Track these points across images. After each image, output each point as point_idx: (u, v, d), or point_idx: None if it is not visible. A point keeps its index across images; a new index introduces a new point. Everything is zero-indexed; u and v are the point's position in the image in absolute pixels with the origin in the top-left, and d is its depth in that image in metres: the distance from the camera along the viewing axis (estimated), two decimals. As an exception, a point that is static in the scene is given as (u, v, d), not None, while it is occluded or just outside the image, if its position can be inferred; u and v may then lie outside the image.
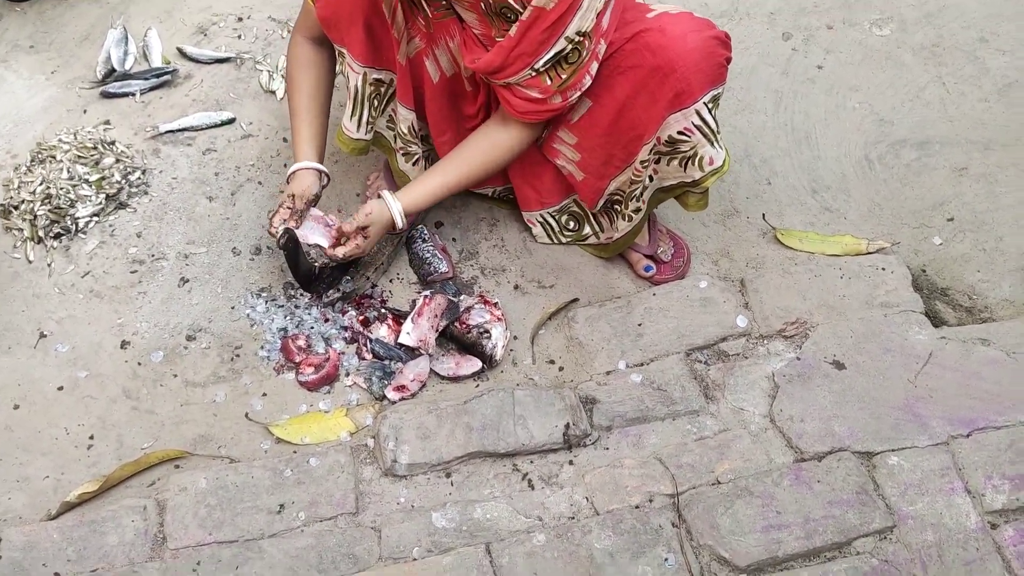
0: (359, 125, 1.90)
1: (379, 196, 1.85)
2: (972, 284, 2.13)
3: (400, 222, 1.84)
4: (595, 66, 1.70)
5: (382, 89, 1.87)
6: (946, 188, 2.30)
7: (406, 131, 1.89)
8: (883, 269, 2.07)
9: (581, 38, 1.64)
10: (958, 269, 2.16)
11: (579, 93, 1.73)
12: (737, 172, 2.30)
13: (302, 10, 1.87)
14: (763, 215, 2.21)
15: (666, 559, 1.62)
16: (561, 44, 1.63)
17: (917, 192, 2.29)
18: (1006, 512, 1.69)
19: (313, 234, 1.87)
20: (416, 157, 1.97)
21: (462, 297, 1.99)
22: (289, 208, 1.86)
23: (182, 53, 2.43)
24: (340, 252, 1.84)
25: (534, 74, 1.68)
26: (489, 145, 1.84)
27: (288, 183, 1.90)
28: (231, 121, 2.28)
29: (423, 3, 1.72)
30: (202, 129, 2.26)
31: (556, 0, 1.57)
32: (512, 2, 1.61)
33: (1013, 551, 1.64)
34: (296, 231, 1.84)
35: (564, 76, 1.68)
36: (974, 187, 2.30)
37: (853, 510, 1.68)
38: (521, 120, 1.77)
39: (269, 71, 2.39)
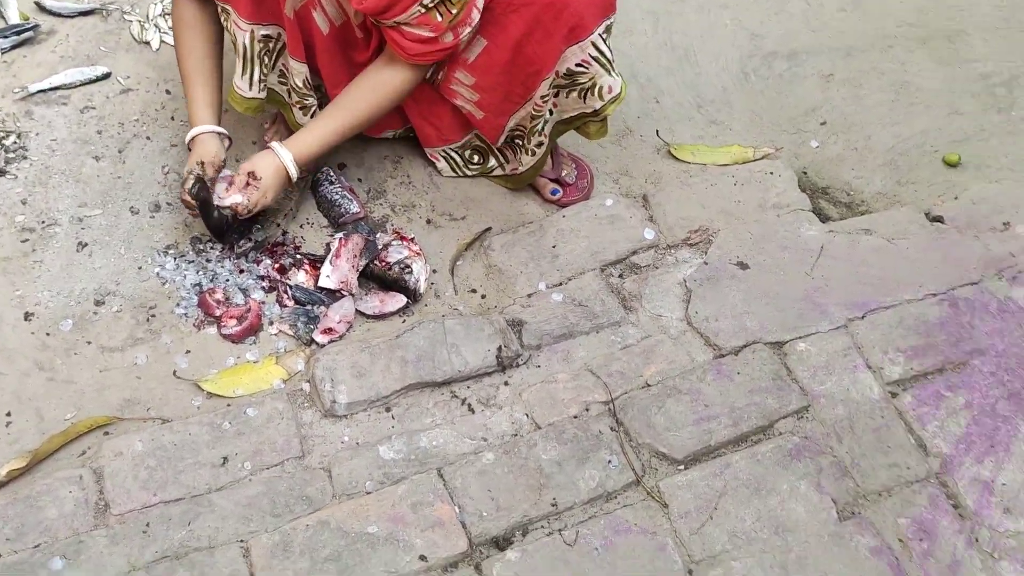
0: (251, 83, 1.85)
1: (268, 147, 1.81)
2: (848, 181, 2.29)
3: (293, 170, 1.82)
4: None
5: (271, 45, 1.82)
6: (816, 94, 2.44)
7: (300, 84, 1.86)
8: (771, 173, 2.20)
9: None
10: (835, 168, 2.31)
11: (469, 29, 1.73)
12: (627, 93, 2.36)
13: None
14: (656, 132, 2.29)
15: (610, 461, 1.70)
16: None
17: (791, 100, 2.43)
18: (903, 381, 1.86)
19: (227, 196, 1.82)
20: (312, 109, 1.93)
21: (378, 235, 1.99)
22: (200, 175, 1.80)
23: (40, 7, 2.27)
24: (243, 201, 1.80)
25: (423, 11, 1.66)
26: (375, 87, 1.82)
27: (190, 150, 1.84)
28: (106, 76, 2.16)
29: None
30: (76, 86, 2.13)
31: None
32: None
33: (912, 415, 1.81)
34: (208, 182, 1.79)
35: (454, 11, 1.68)
36: (841, 91, 2.45)
37: (772, 395, 1.80)
38: (410, 62, 1.76)
39: (140, 21, 2.27)
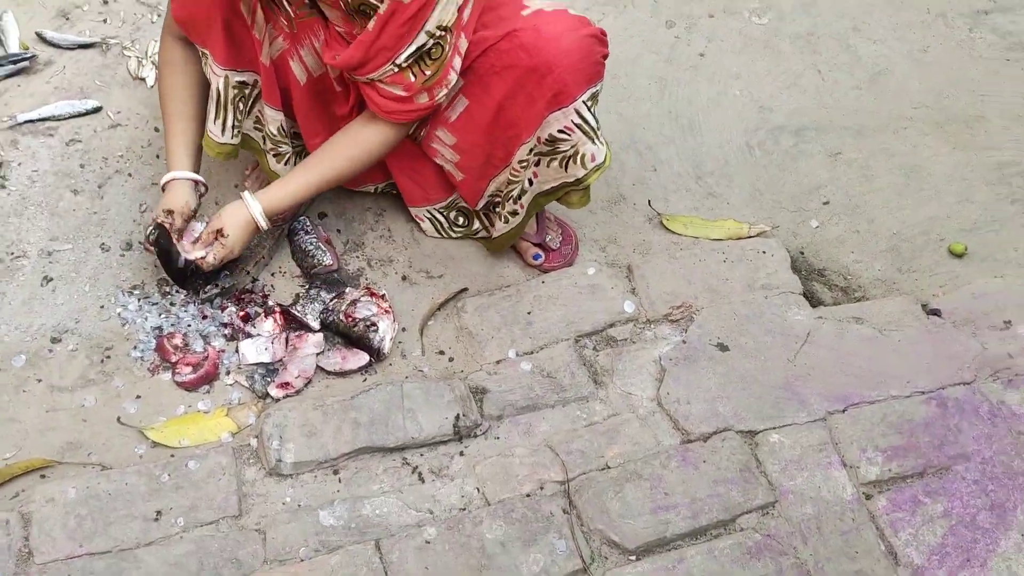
0: (223, 129, 1.84)
1: (240, 196, 1.79)
2: (847, 265, 2.20)
3: (263, 223, 1.78)
4: (458, 61, 1.67)
5: (247, 91, 1.81)
6: (822, 172, 2.37)
7: (275, 131, 1.83)
8: (764, 252, 2.12)
9: (443, 32, 1.60)
10: (833, 251, 2.23)
11: (446, 91, 1.69)
12: (623, 159, 2.32)
13: (167, 8, 1.79)
14: (648, 201, 2.23)
15: (557, 546, 1.62)
16: (422, 39, 1.60)
17: (795, 177, 2.36)
18: (879, 483, 1.76)
19: (192, 251, 1.80)
20: (287, 156, 1.91)
21: (347, 289, 1.94)
22: (160, 223, 1.78)
23: (41, 38, 2.29)
24: (209, 258, 1.77)
25: (396, 70, 1.63)
26: (354, 143, 1.79)
27: (163, 193, 1.82)
28: (97, 110, 2.16)
29: (284, 2, 1.66)
30: (65, 119, 2.14)
31: None
32: None
33: (886, 519, 1.71)
34: (169, 231, 1.77)
35: (428, 72, 1.65)
36: (848, 171, 2.38)
37: (737, 488, 1.71)
38: (387, 120, 1.73)
39: (138, 57, 2.28)
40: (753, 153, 2.40)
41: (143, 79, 2.25)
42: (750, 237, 2.18)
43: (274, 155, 1.88)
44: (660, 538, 1.64)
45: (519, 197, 1.86)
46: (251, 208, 1.77)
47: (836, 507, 1.71)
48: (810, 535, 1.68)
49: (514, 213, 1.90)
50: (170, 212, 1.79)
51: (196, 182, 1.84)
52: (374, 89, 1.68)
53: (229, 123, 1.82)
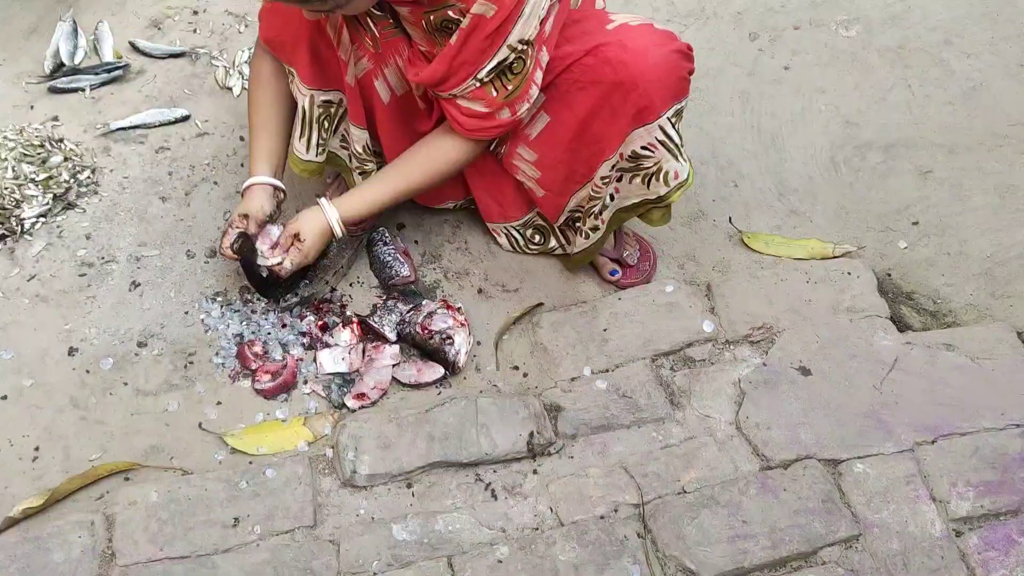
0: (308, 146, 1.85)
1: (316, 203, 1.80)
2: (936, 288, 2.12)
3: (338, 230, 1.79)
4: (540, 75, 1.65)
5: (332, 110, 1.82)
6: (911, 191, 2.29)
7: (360, 150, 1.84)
8: (849, 274, 2.06)
9: (524, 46, 1.59)
10: (923, 273, 2.15)
11: (527, 105, 1.68)
12: (704, 174, 2.28)
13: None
14: (729, 218, 2.19)
15: (632, 571, 1.59)
16: (504, 52, 1.58)
17: (882, 195, 2.28)
18: (970, 519, 1.68)
19: (270, 256, 1.82)
20: (372, 174, 1.91)
21: (424, 301, 1.94)
22: (239, 229, 1.81)
23: (134, 47, 2.35)
24: (285, 263, 1.79)
25: (478, 84, 1.62)
26: (432, 156, 1.78)
27: (242, 198, 1.85)
28: (186, 118, 2.21)
29: (370, 22, 1.67)
30: (155, 127, 2.19)
31: (496, 7, 1.52)
32: (452, 13, 1.56)
33: (978, 559, 1.64)
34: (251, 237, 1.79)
35: (510, 87, 1.63)
36: (939, 191, 2.29)
37: (819, 519, 1.66)
38: (468, 136, 1.73)
39: (226, 66, 2.33)
40: (839, 170, 2.33)
41: (230, 88, 2.30)
42: (835, 257, 2.11)
43: (360, 173, 1.89)
44: (738, 568, 1.60)
45: (600, 212, 1.84)
46: (328, 214, 1.78)
47: (924, 543, 1.64)
48: (896, 571, 1.61)
49: (595, 229, 1.88)
50: (245, 216, 1.81)
51: (275, 188, 1.86)
52: (455, 107, 1.67)
53: (314, 141, 1.83)
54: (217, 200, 2.09)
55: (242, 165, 2.16)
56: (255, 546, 1.60)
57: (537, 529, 1.65)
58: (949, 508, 1.69)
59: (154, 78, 2.31)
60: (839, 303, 2.00)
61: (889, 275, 2.14)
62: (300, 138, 1.83)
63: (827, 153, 2.36)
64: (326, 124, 1.83)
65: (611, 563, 1.60)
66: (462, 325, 1.89)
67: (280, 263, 1.79)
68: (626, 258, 2.05)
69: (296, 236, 1.79)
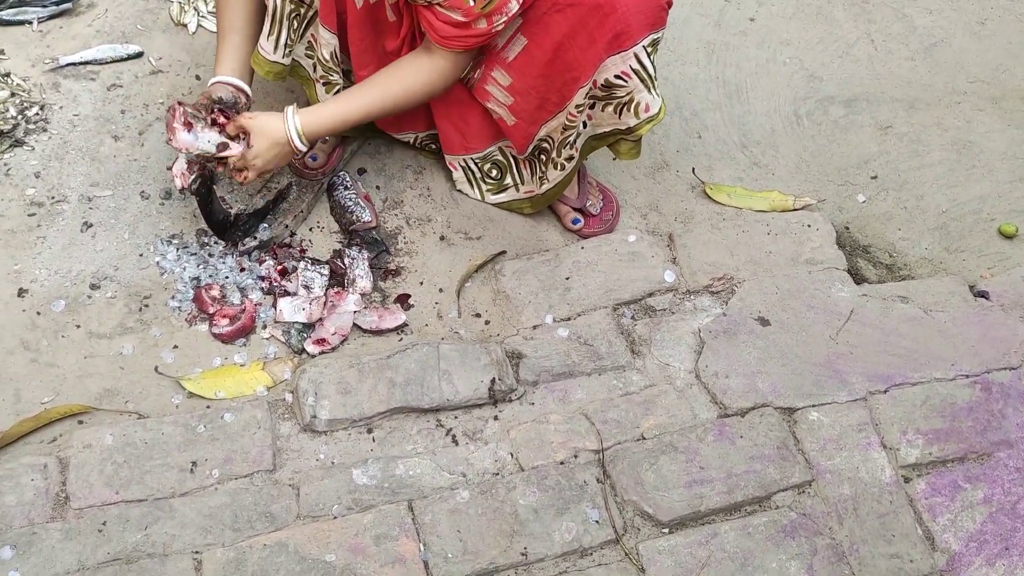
0: (276, 46, 1.77)
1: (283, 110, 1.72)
2: (893, 242, 2.15)
3: (298, 143, 1.72)
4: None
5: (302, 10, 1.76)
6: (871, 146, 2.31)
7: (327, 57, 1.78)
8: (808, 226, 2.08)
9: None
10: (880, 227, 2.18)
11: (504, 18, 1.64)
12: (668, 125, 2.27)
13: None
14: (692, 169, 2.19)
15: (590, 515, 1.61)
16: None
17: (843, 149, 2.30)
18: (919, 466, 1.73)
19: (202, 137, 1.71)
20: (336, 87, 1.86)
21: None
22: (204, 174, 1.74)
23: (84, -21, 2.26)
24: (206, 146, 1.68)
25: None
26: (410, 74, 1.74)
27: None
28: (139, 55, 2.14)
29: None
30: (106, 63, 2.11)
31: None
32: None
33: (925, 504, 1.69)
34: (190, 140, 1.69)
35: None
36: (898, 145, 2.32)
37: (774, 465, 1.69)
38: (445, 48, 1.68)
39: (180, 2, 2.25)
40: (801, 123, 2.34)
41: (185, 25, 2.22)
42: (795, 210, 2.13)
43: (324, 83, 1.84)
44: (694, 512, 1.63)
45: (575, 141, 1.83)
46: (289, 123, 1.71)
47: (874, 489, 1.69)
48: (846, 516, 1.66)
49: (570, 159, 1.87)
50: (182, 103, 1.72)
51: (239, 89, 1.78)
52: (433, 13, 1.63)
53: (283, 40, 1.76)
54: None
55: (198, 105, 2.09)
56: (213, 490, 1.59)
57: (497, 474, 1.66)
58: (899, 455, 1.73)
59: (105, 12, 2.22)
60: (798, 255, 2.02)
61: (847, 228, 2.17)
62: (268, 36, 1.75)
63: (790, 106, 2.37)
64: (295, 24, 1.76)
65: (570, 507, 1.62)
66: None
67: (204, 147, 1.69)
68: (589, 207, 2.05)
69: (243, 131, 1.70)
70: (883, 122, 2.36)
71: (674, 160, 2.21)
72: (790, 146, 2.29)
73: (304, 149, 1.75)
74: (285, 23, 1.75)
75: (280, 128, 1.72)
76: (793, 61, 2.46)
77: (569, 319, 1.89)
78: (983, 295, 2.01)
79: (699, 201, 2.14)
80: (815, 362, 1.84)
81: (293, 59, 1.84)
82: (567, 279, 1.94)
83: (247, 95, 1.80)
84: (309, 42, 1.82)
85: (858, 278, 2.05)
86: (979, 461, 1.74)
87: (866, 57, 2.50)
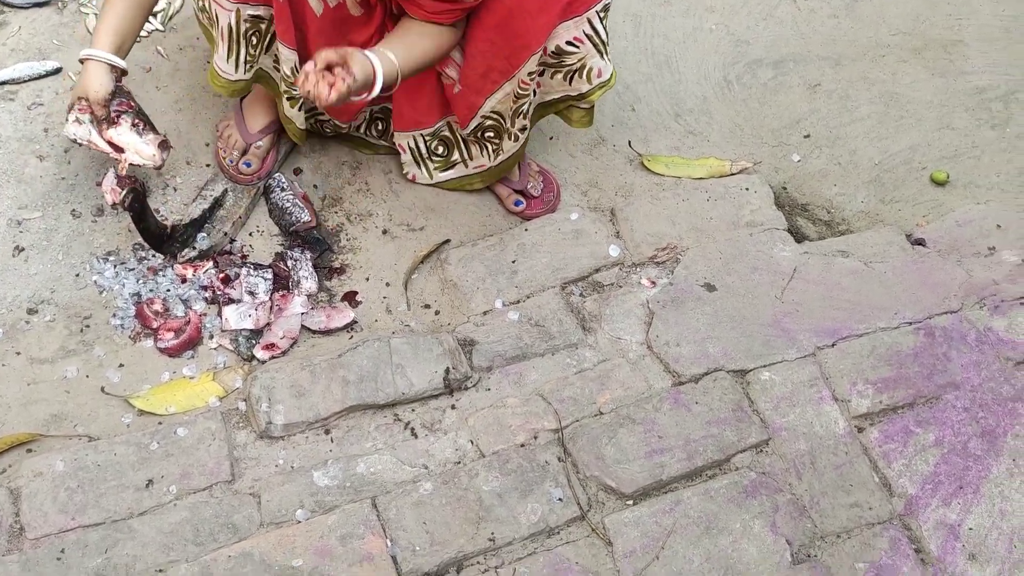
0: (237, 65, 1.74)
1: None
2: (830, 198, 2.19)
3: (380, 81, 1.59)
4: None
5: (262, 26, 1.71)
6: (802, 105, 2.34)
7: (288, 72, 1.74)
8: (747, 189, 2.10)
9: None
10: (816, 184, 2.21)
11: None
12: (601, 100, 2.26)
13: None
14: (629, 142, 2.20)
15: (554, 494, 1.62)
16: None
17: (775, 111, 2.33)
18: (870, 415, 1.77)
19: (130, 145, 1.68)
20: (301, 102, 1.82)
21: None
22: (83, 111, 1.68)
23: (-7, -2, 2.19)
24: (331, 95, 1.52)
25: None
26: (434, 38, 1.66)
27: (78, 79, 1.72)
28: (57, 71, 2.08)
29: None
30: (25, 81, 2.05)
31: None
32: None
33: (878, 451, 1.72)
34: (128, 161, 1.67)
35: None
36: (827, 103, 2.35)
37: (730, 427, 1.72)
38: (435, 23, 1.64)
39: (95, 14, 2.19)
40: (732, 88, 2.36)
41: (102, 37, 2.16)
42: (733, 174, 2.15)
43: (288, 99, 1.80)
44: (656, 481, 1.65)
45: (527, 110, 1.82)
46: (375, 62, 1.57)
47: (829, 441, 1.72)
48: (804, 471, 1.69)
49: (524, 129, 1.86)
50: (83, 100, 1.69)
51: (114, 67, 1.71)
52: None
53: (242, 58, 1.72)
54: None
55: (123, 117, 2.05)
56: (172, 506, 1.57)
57: (459, 463, 1.66)
58: (850, 406, 1.77)
59: (19, 30, 2.16)
60: (739, 219, 2.05)
61: (785, 188, 2.20)
62: (228, 58, 1.71)
63: (719, 72, 2.39)
64: (254, 40, 1.72)
65: (534, 489, 1.62)
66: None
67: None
68: (530, 189, 2.05)
69: (346, 64, 1.56)
70: (811, 81, 2.39)
71: (610, 135, 2.22)
72: (723, 112, 2.31)
73: (376, 96, 1.63)
74: (243, 42, 1.71)
75: (371, 70, 1.59)
76: (719, 27, 2.48)
77: (519, 302, 1.89)
78: (920, 242, 2.05)
79: (638, 174, 2.15)
80: (763, 323, 1.87)
81: (260, 70, 1.80)
82: (513, 262, 1.94)
83: (123, 69, 1.73)
84: (275, 55, 1.77)
85: (799, 236, 2.08)
86: (928, 405, 1.78)
87: (790, 18, 2.52)
